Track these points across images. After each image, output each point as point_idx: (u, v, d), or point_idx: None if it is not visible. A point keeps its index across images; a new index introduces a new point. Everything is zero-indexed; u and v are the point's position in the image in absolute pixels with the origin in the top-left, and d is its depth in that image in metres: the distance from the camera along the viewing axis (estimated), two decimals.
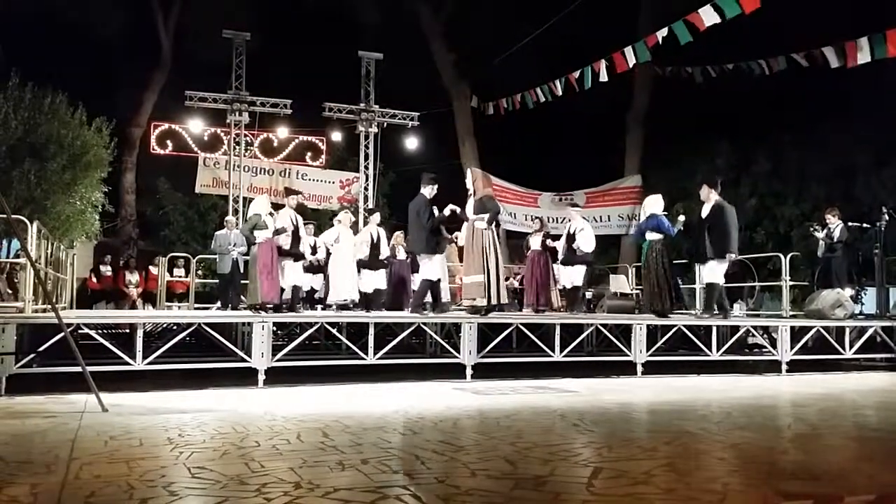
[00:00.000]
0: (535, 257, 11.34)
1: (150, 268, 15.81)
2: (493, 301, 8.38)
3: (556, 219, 17.05)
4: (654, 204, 9.74)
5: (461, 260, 12.33)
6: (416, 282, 11.75)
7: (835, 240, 10.58)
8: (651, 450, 4.12)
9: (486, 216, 8.46)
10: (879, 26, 11.09)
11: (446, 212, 8.58)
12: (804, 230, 11.95)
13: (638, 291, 14.01)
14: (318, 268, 11.07)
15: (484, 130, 20.35)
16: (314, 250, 10.92)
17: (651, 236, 9.44)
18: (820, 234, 10.83)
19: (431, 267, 8.79)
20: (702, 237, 9.20)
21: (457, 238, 10.86)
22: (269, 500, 2.91)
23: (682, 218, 9.57)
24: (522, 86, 16.86)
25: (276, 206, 10.21)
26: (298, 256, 9.68)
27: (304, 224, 10.31)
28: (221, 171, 17.59)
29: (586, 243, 10.85)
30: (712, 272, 9.18)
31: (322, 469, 3.48)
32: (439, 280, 9.13)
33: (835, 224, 10.70)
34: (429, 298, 9.18)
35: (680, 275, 15.72)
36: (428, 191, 8.63)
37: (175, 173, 19.18)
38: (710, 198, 9.23)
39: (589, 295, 12.52)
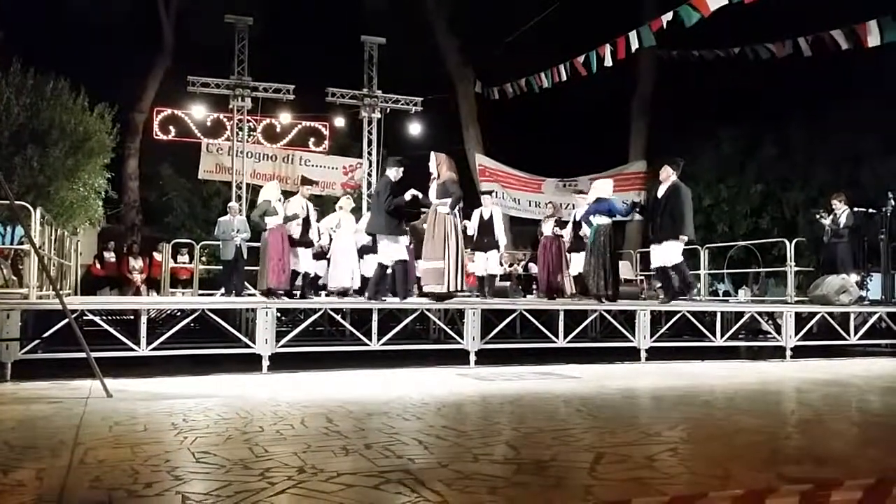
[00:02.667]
0: (547, 243, 11.30)
1: (154, 254, 15.83)
2: (452, 288, 8.24)
3: (561, 205, 17.01)
4: (603, 188, 9.68)
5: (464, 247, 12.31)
6: (418, 269, 11.74)
7: (841, 226, 10.53)
8: (654, 435, 4.12)
9: (449, 201, 8.34)
10: (891, 8, 10.96)
11: (407, 196, 8.42)
12: (810, 216, 11.91)
13: (641, 277, 13.99)
14: (322, 254, 11.09)
15: (488, 116, 20.27)
16: (318, 236, 10.94)
17: (598, 220, 9.32)
18: (826, 221, 10.77)
19: (392, 250, 8.57)
20: (656, 218, 9.12)
21: (465, 227, 10.84)
22: (272, 485, 2.92)
23: (638, 199, 9.48)
24: (527, 71, 16.77)
25: (284, 192, 10.22)
26: (308, 244, 9.70)
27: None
28: (224, 156, 17.59)
29: None
30: (670, 253, 9.04)
31: (326, 454, 3.49)
32: (406, 261, 8.98)
33: (841, 210, 10.65)
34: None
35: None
36: (392, 173, 8.50)
37: (178, 159, 19.17)
38: (668, 179, 9.12)
39: None
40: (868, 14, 11.30)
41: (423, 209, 8.70)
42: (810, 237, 13.74)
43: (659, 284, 10.60)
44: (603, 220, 9.29)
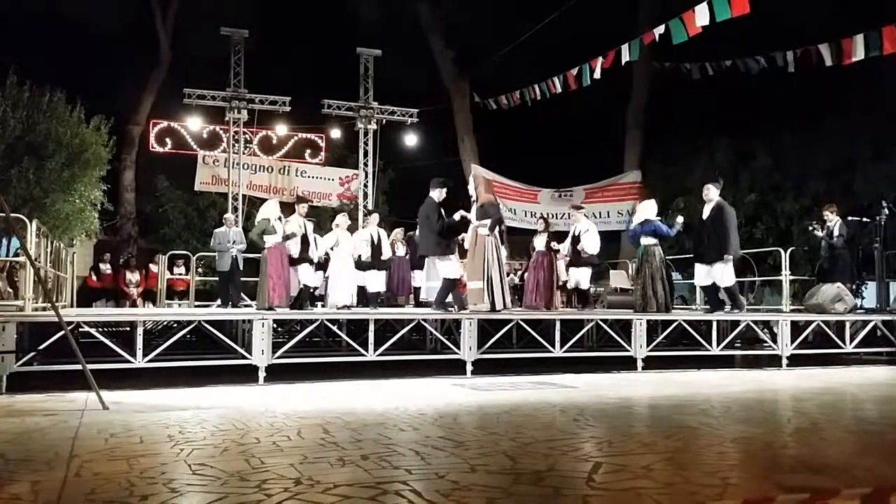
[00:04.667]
0: (538, 258, 11.30)
1: (151, 266, 15.80)
2: (497, 307, 8.41)
3: (556, 215, 17.05)
4: (649, 209, 9.82)
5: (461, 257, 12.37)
6: (415, 279, 11.76)
7: (835, 237, 10.56)
8: (651, 444, 4.13)
9: (489, 222, 8.49)
10: (876, 23, 11.06)
11: (456, 217, 8.57)
12: (803, 228, 11.91)
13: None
14: (319, 266, 11.08)
15: (483, 127, 20.34)
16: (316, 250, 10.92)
17: (646, 241, 9.51)
18: (820, 233, 10.79)
19: (450, 266, 8.61)
20: (703, 238, 9.27)
21: (463, 239, 10.92)
22: (269, 496, 2.91)
23: (680, 219, 9.62)
24: (522, 82, 16.85)
25: (282, 205, 10.24)
26: (308, 262, 9.74)
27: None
28: (221, 168, 17.60)
29: (591, 245, 10.85)
30: (722, 274, 9.25)
31: (322, 465, 3.49)
32: (458, 278, 9.03)
33: (833, 220, 10.67)
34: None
35: (681, 271, 15.75)
36: (437, 194, 8.56)
37: (174, 171, 19.17)
38: (713, 198, 9.28)
39: (591, 291, 12.53)
40: (853, 28, 11.39)
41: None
42: (805, 246, 13.77)
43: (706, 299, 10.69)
44: (650, 241, 9.48)
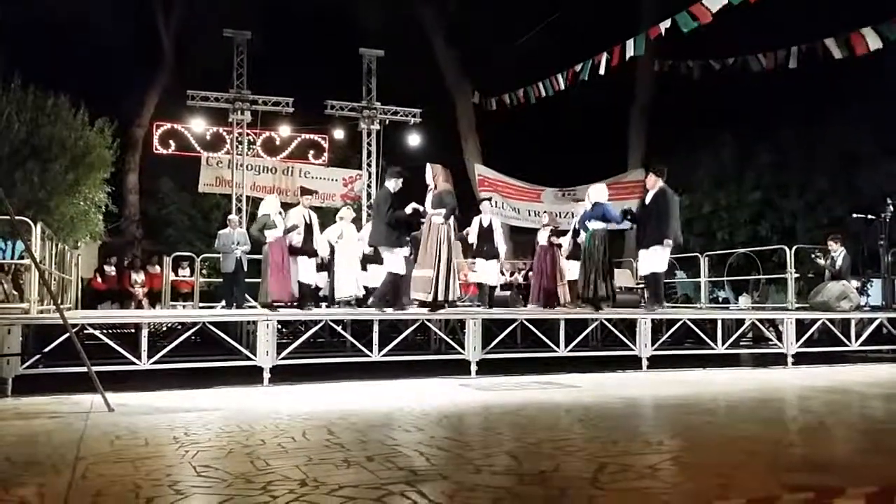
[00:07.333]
0: (541, 252, 11.33)
1: (148, 267, 15.85)
2: (441, 297, 8.22)
3: (560, 214, 17.04)
4: (599, 193, 9.64)
5: (464, 255, 12.34)
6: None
7: (837, 267, 10.51)
8: (656, 444, 4.12)
9: (444, 211, 8.36)
10: (882, 16, 11.04)
11: (408, 209, 8.45)
12: (808, 259, 11.80)
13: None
14: (323, 265, 11.10)
15: (486, 126, 20.32)
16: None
17: (594, 225, 9.27)
18: (823, 262, 10.77)
19: (396, 260, 8.58)
20: (644, 224, 9.13)
21: (467, 233, 10.86)
22: (274, 498, 2.91)
23: (627, 206, 9.47)
24: (525, 81, 16.83)
25: (284, 205, 10.22)
26: (311, 253, 9.67)
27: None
28: (224, 170, 17.63)
29: None
30: (654, 261, 8.99)
31: (327, 466, 3.49)
32: (403, 275, 8.87)
33: (837, 251, 10.63)
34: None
35: (685, 269, 15.71)
36: (392, 184, 8.52)
37: (178, 173, 19.20)
38: (655, 185, 9.09)
39: None
40: (860, 21, 11.37)
41: (422, 221, 8.71)
42: (809, 244, 13.73)
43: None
44: (598, 226, 9.26)
